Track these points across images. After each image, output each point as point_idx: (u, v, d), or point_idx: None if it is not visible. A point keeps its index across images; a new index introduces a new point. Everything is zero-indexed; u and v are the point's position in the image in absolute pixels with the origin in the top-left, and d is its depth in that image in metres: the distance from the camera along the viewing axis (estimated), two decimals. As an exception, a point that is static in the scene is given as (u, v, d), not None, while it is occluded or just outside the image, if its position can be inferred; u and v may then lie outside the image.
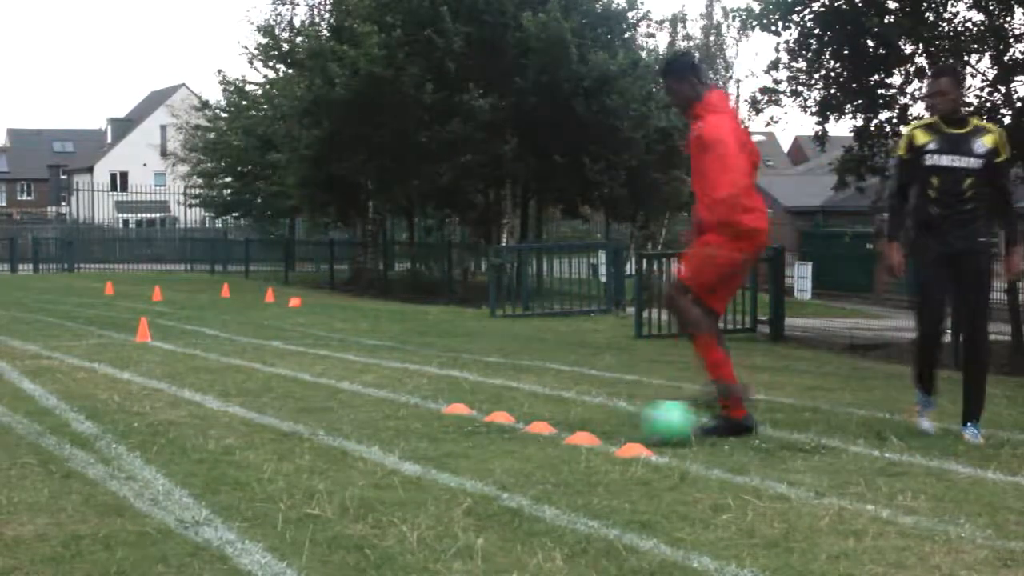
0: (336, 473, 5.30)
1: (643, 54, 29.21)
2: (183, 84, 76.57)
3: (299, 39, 32.68)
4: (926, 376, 6.85)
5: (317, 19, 34.26)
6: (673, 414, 6.30)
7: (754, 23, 15.58)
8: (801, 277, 30.78)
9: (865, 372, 11.58)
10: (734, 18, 17.48)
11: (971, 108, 13.46)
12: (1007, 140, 6.67)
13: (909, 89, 15.13)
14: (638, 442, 5.93)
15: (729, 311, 16.48)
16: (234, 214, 48.32)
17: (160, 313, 16.93)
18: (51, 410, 7.16)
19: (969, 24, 14.51)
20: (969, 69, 14.73)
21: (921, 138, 6.54)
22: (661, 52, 31.33)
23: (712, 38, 35.25)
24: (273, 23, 36.42)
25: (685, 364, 11.07)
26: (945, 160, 6.44)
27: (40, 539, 4.20)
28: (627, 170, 26.92)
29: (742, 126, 6.90)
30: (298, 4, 36.75)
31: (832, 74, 15.46)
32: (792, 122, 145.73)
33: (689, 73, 6.72)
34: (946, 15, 14.58)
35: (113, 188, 72.35)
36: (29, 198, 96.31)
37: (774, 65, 15.66)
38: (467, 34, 26.20)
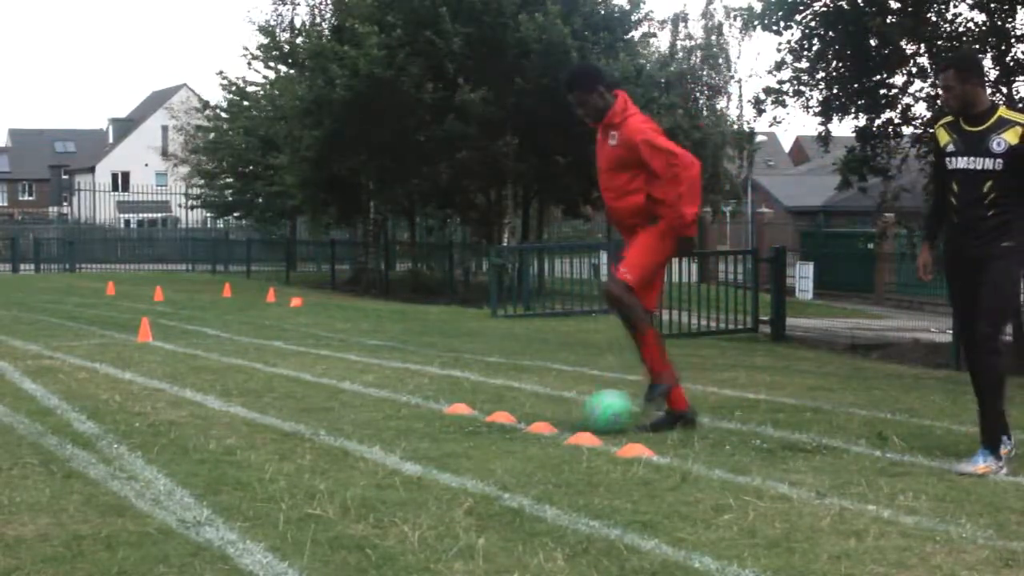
0: (337, 473, 5.30)
1: (644, 60, 29.18)
2: (184, 84, 76.64)
3: (300, 39, 32.69)
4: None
5: (318, 19, 34.27)
6: (613, 402, 6.57)
7: (756, 23, 15.57)
8: (802, 277, 30.76)
9: (867, 372, 11.57)
10: (735, 18, 17.48)
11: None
12: None
13: (911, 89, 15.13)
14: (639, 442, 5.93)
15: (731, 311, 16.51)
16: (235, 214, 48.32)
17: (162, 313, 16.93)
18: (52, 410, 7.17)
19: (971, 25, 14.50)
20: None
21: (943, 138, 5.91)
22: (663, 53, 31.31)
23: (714, 38, 35.24)
24: (274, 23, 36.45)
25: (687, 364, 11.07)
26: (962, 162, 5.79)
27: (42, 539, 4.21)
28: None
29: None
30: (299, 4, 36.79)
31: (834, 74, 15.45)
32: (794, 122, 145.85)
33: (597, 83, 6.68)
34: (948, 15, 14.57)
35: (114, 188, 72.33)
36: (30, 198, 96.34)
37: (778, 66, 15.65)
38: (467, 35, 26.19)
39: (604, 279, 6.72)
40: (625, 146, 6.49)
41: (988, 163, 5.72)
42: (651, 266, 6.58)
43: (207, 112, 47.43)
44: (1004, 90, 14.30)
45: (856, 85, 15.15)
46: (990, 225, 5.76)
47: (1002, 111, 5.87)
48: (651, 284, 6.70)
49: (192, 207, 51.28)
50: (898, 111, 15.42)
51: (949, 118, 5.98)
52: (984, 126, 5.77)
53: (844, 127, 19.26)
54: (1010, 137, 5.70)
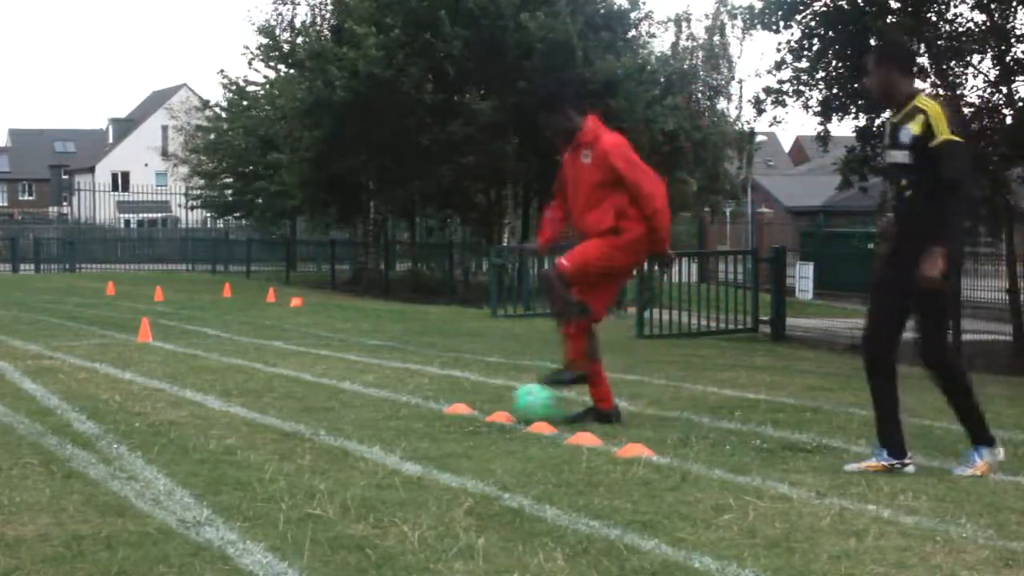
0: (337, 473, 5.30)
1: (647, 55, 29.15)
2: (184, 84, 76.61)
3: (299, 39, 32.67)
4: (878, 412, 5.61)
5: (318, 19, 34.24)
6: (538, 396, 6.81)
7: (756, 22, 15.58)
8: (802, 277, 30.79)
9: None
10: (734, 16, 17.46)
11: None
12: (947, 117, 5.31)
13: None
14: (639, 442, 5.93)
15: (731, 311, 16.50)
16: (235, 214, 48.30)
17: (161, 313, 16.93)
18: (52, 410, 7.17)
19: (971, 24, 14.51)
20: (971, 69, 14.73)
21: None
22: (666, 53, 31.27)
23: (716, 38, 35.18)
24: (274, 23, 36.40)
25: (687, 364, 11.08)
26: (889, 155, 5.53)
27: (41, 539, 4.20)
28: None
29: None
30: (299, 4, 36.70)
31: (834, 74, 15.46)
32: (793, 122, 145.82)
33: (562, 103, 6.89)
34: (948, 15, 14.58)
35: (114, 188, 72.30)
36: (30, 198, 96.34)
37: (778, 66, 15.66)
38: (466, 37, 26.16)
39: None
40: (599, 162, 6.63)
41: (900, 156, 5.40)
42: (594, 266, 6.64)
43: (207, 112, 47.39)
44: (1004, 90, 14.32)
45: (856, 85, 15.16)
46: (916, 223, 5.37)
47: (918, 99, 5.40)
48: (599, 289, 6.78)
49: (192, 207, 51.25)
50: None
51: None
52: (899, 117, 5.44)
53: (844, 127, 19.25)
54: (914, 127, 5.31)
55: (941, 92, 14.67)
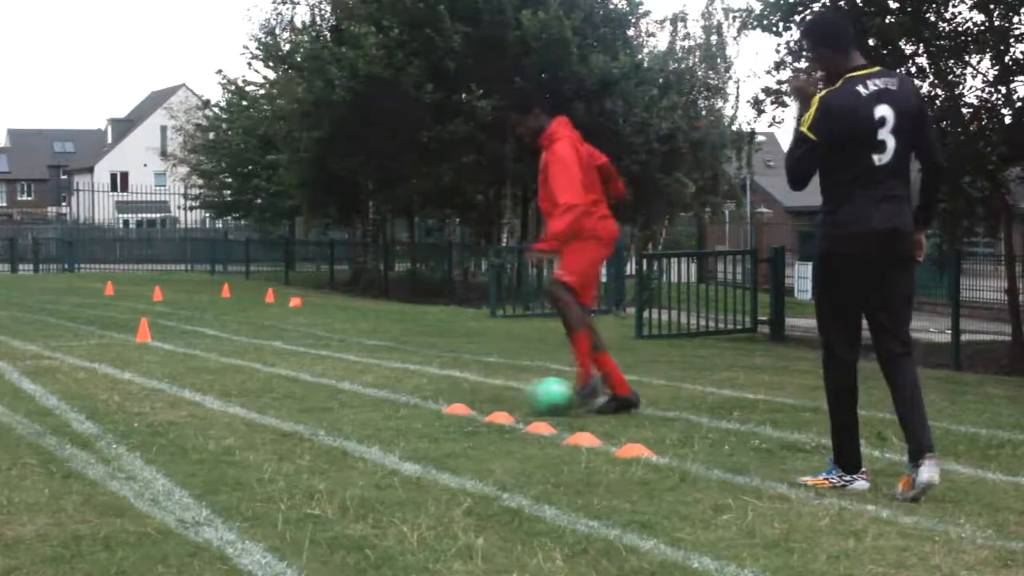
0: (336, 473, 5.30)
1: (644, 56, 29.15)
2: (183, 84, 76.57)
3: (299, 39, 32.65)
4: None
5: (318, 19, 34.22)
6: (553, 388, 7.17)
7: (754, 23, 15.56)
8: (801, 277, 30.79)
9: (865, 372, 11.54)
10: (734, 19, 17.45)
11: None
12: (818, 107, 5.15)
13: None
14: (638, 442, 5.94)
15: (730, 311, 16.51)
16: (234, 214, 48.27)
17: (160, 313, 16.93)
18: (51, 410, 7.17)
19: (970, 24, 14.49)
20: (970, 69, 14.72)
21: None
22: (662, 52, 31.27)
23: (713, 38, 35.17)
24: (274, 23, 36.38)
25: (686, 364, 11.09)
26: None
27: (40, 539, 4.20)
28: (628, 173, 26.86)
29: (584, 146, 7.48)
30: (298, 3, 36.66)
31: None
32: (793, 122, 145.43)
33: (533, 105, 7.48)
34: (947, 15, 14.56)
35: (113, 188, 72.32)
36: (29, 198, 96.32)
37: (777, 66, 15.64)
38: (466, 34, 26.15)
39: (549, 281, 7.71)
40: (545, 166, 7.34)
41: None
42: (585, 267, 7.30)
43: (206, 111, 47.35)
44: (1003, 90, 14.30)
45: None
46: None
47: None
48: (588, 283, 7.42)
49: (191, 208, 51.22)
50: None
51: None
52: None
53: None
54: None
55: (940, 91, 14.67)
